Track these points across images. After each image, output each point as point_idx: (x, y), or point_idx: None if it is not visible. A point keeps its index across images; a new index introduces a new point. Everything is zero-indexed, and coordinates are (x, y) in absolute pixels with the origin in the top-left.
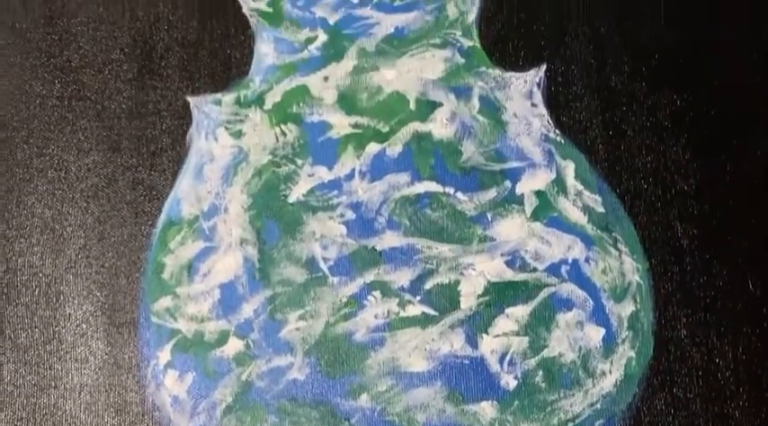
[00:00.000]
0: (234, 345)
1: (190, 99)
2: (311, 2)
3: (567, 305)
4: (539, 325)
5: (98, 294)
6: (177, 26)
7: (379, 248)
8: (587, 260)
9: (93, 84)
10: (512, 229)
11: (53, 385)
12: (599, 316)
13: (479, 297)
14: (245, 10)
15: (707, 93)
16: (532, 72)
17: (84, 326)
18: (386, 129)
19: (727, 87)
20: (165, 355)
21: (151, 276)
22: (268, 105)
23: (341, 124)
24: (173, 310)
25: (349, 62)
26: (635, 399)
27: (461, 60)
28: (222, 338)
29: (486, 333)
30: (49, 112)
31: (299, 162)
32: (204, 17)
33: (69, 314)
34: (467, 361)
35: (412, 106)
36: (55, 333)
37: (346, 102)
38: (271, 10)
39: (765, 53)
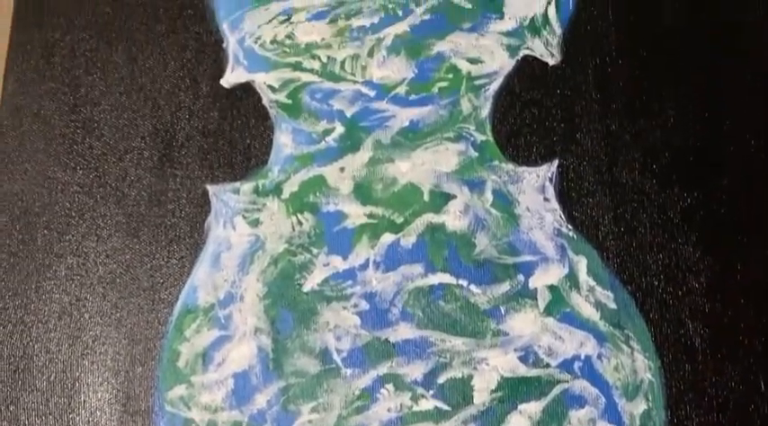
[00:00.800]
0: None
1: (209, 187)
2: (329, 94)
3: (580, 402)
4: (551, 422)
5: (113, 381)
6: (198, 115)
7: (392, 340)
8: (600, 356)
9: (114, 171)
10: (525, 324)
11: None
12: (611, 414)
13: (492, 392)
14: (265, 101)
15: (717, 193)
16: (545, 167)
17: (98, 414)
18: (400, 220)
19: (737, 186)
20: None
21: (166, 364)
22: (285, 194)
23: (356, 214)
24: (187, 399)
25: (365, 153)
26: None
27: (475, 154)
28: None
29: None
30: (70, 198)
31: (315, 251)
32: (225, 107)
33: (84, 401)
34: None
35: (426, 198)
36: (69, 421)
37: (362, 192)
38: (290, 102)
39: None
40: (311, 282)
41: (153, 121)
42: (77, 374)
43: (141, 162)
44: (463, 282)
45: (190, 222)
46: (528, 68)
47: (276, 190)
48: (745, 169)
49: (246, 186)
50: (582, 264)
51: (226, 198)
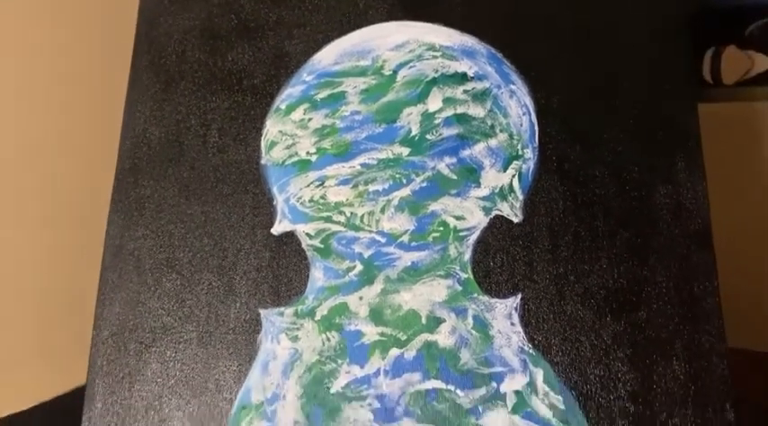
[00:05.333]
0: None
1: (261, 311)
2: (351, 241)
3: None
4: None
5: None
6: (254, 255)
7: None
8: None
9: (190, 299)
10: (497, 421)
11: None
12: None
13: None
14: (303, 245)
15: (637, 322)
16: (511, 299)
17: None
18: (404, 338)
19: (652, 318)
20: None
21: None
22: (317, 317)
23: (371, 333)
24: None
25: (378, 286)
26: None
27: (459, 288)
28: None
29: None
30: (155, 319)
31: (339, 361)
32: (274, 249)
33: None
34: None
35: (423, 321)
36: None
37: (375, 316)
38: (322, 246)
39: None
40: (337, 386)
41: (219, 260)
42: None
43: (211, 291)
44: (451, 387)
45: (246, 338)
46: (498, 224)
47: (311, 313)
48: (657, 305)
49: (288, 310)
50: (539, 375)
51: (273, 319)
